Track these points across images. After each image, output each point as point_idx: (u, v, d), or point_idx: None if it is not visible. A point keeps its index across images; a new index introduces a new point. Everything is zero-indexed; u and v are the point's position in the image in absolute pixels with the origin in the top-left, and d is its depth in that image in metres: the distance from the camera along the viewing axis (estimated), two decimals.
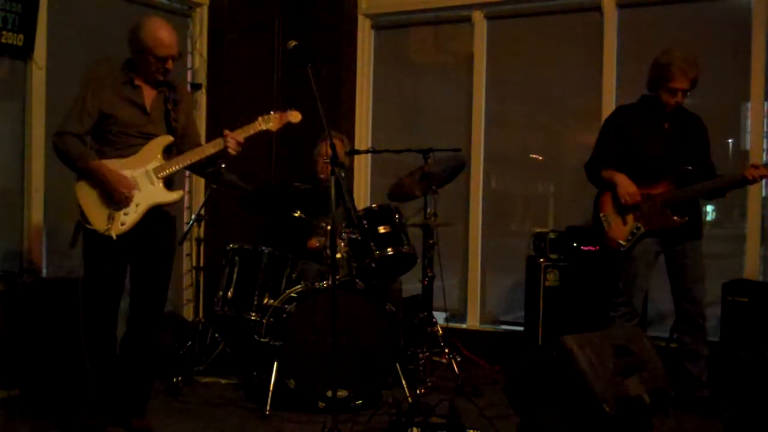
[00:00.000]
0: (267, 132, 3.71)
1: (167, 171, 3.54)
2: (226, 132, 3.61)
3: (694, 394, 4.07)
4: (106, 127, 3.50)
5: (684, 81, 3.97)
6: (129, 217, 3.46)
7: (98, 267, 3.50)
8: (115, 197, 3.43)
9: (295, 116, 3.74)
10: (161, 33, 3.47)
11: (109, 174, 3.42)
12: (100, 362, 3.52)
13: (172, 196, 3.59)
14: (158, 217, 3.57)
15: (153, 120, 3.56)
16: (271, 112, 3.71)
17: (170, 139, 3.56)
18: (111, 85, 3.52)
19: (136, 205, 3.47)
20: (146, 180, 3.50)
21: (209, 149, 3.60)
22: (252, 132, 3.67)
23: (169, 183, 3.59)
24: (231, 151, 3.59)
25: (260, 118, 3.68)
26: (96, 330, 3.51)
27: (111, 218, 3.43)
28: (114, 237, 3.41)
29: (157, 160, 3.52)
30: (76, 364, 3.52)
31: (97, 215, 3.44)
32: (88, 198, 3.45)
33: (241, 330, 4.54)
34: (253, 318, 4.36)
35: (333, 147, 3.51)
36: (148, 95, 3.57)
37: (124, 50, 3.57)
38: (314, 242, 4.70)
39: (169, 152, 3.57)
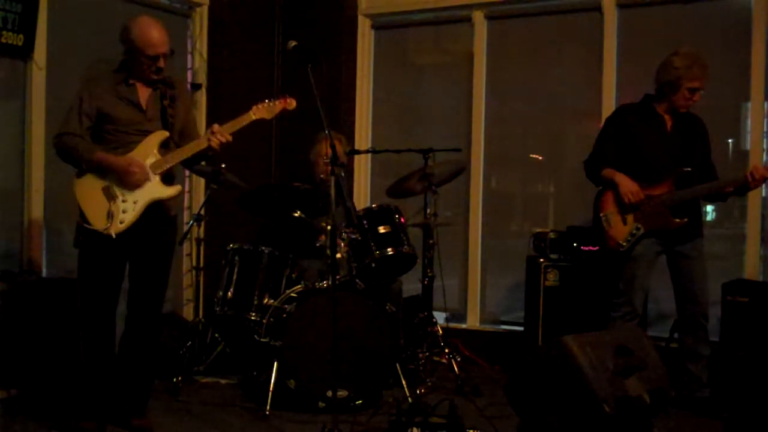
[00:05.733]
0: (262, 120, 3.67)
1: (164, 166, 3.52)
2: (215, 127, 3.57)
3: (694, 394, 4.07)
4: (104, 126, 3.51)
5: (703, 79, 3.98)
6: (128, 215, 3.45)
7: (95, 266, 3.50)
8: (128, 178, 3.42)
9: (289, 103, 3.71)
10: (151, 33, 3.46)
11: (117, 159, 3.44)
12: (98, 362, 3.52)
13: (170, 191, 3.57)
14: (158, 215, 3.56)
15: (150, 117, 3.56)
16: (266, 101, 3.68)
17: (166, 134, 3.55)
18: (107, 86, 3.53)
19: (134, 202, 3.46)
20: None
21: (197, 146, 3.57)
22: (246, 123, 3.63)
23: (168, 178, 3.58)
24: (214, 146, 3.54)
25: (254, 108, 3.66)
26: (93, 330, 3.51)
27: (110, 216, 3.42)
28: (113, 236, 3.40)
29: (154, 156, 3.51)
30: (75, 365, 3.52)
31: (96, 214, 3.43)
32: (86, 196, 3.46)
33: (241, 330, 4.54)
34: (253, 318, 4.36)
35: (333, 147, 3.51)
36: (144, 93, 3.57)
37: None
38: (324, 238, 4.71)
39: (166, 147, 3.57)
